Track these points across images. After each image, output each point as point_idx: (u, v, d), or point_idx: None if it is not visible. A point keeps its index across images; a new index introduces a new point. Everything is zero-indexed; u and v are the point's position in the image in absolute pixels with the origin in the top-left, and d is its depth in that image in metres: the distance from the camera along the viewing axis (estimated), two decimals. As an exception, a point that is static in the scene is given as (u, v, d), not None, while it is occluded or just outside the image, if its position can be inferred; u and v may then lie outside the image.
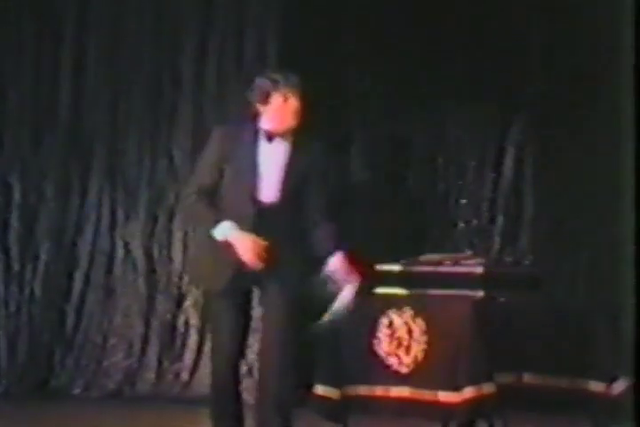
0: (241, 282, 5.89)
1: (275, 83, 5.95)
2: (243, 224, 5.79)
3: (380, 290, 6.77)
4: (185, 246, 8.58)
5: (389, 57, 8.45)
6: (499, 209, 8.10)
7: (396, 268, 6.80)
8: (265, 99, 5.90)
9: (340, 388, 6.62)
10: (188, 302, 8.51)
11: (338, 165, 6.72)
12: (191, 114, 8.74)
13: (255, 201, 5.82)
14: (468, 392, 6.26)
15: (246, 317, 6.10)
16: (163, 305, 8.56)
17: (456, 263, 6.71)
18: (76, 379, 8.58)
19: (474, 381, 6.28)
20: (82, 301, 8.69)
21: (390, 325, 6.56)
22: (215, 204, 5.81)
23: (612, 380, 6.53)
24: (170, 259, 8.61)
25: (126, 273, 8.73)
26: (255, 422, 5.91)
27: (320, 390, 6.64)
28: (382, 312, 6.59)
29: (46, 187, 8.79)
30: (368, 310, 6.64)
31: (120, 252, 8.75)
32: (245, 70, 8.58)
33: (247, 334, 6.16)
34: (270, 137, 5.90)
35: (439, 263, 6.74)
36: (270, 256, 5.84)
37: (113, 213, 8.81)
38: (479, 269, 6.59)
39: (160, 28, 8.78)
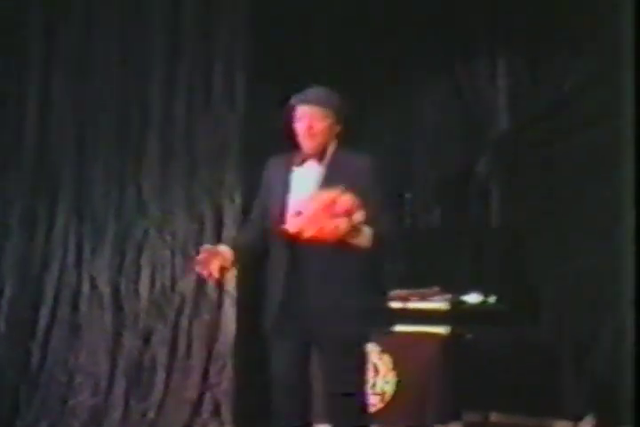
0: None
1: (295, 98, 5.68)
2: (279, 265, 5.56)
3: None
4: (153, 283, 8.51)
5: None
6: (467, 239, 8.07)
7: None
8: (287, 117, 5.63)
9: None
10: (155, 339, 8.43)
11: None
12: (159, 146, 8.64)
13: (284, 234, 5.44)
14: (438, 431, 6.43)
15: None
16: (129, 342, 8.48)
17: (423, 299, 6.85)
18: (41, 419, 8.48)
19: (441, 420, 6.44)
20: (47, 337, 8.60)
21: None
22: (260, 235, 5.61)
23: (577, 419, 6.62)
24: (137, 295, 8.53)
25: (92, 309, 8.63)
26: None
27: None
28: None
29: (11, 220, 8.75)
30: None
31: (86, 287, 8.66)
32: (214, 102, 8.52)
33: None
34: (303, 160, 5.62)
35: (406, 299, 6.83)
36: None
37: (79, 248, 8.73)
38: (446, 305, 6.72)
39: (128, 60, 8.71)
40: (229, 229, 8.36)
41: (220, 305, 8.33)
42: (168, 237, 8.51)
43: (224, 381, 8.23)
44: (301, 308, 5.51)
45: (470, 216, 7.83)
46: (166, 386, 8.32)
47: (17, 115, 8.92)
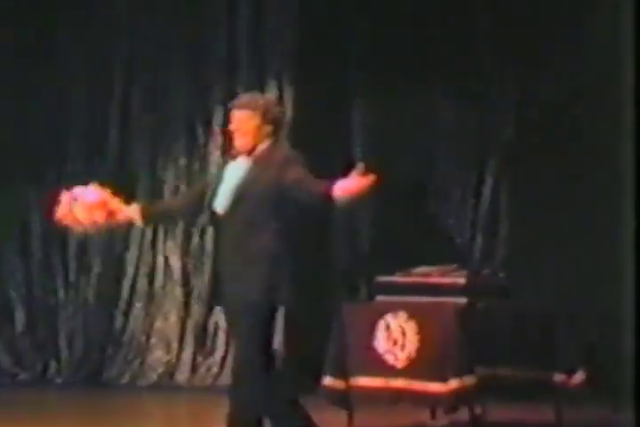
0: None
1: (230, 103, 5.49)
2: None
3: (379, 297, 6.80)
4: (214, 261, 8.24)
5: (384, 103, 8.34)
6: (478, 229, 8.04)
7: (392, 279, 6.84)
8: (227, 120, 5.45)
9: (345, 379, 6.65)
10: (217, 308, 8.19)
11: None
12: (220, 149, 8.51)
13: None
14: (453, 383, 6.32)
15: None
16: (196, 310, 8.52)
17: (443, 275, 6.74)
18: (124, 371, 8.54)
19: (458, 374, 6.32)
20: (128, 306, 8.63)
21: (387, 327, 6.58)
22: None
23: (571, 372, 6.54)
24: (202, 271, 8.54)
25: (165, 283, 8.66)
26: None
27: (328, 381, 6.68)
28: (381, 316, 6.62)
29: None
30: (369, 314, 6.70)
31: (160, 264, 8.69)
32: None
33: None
34: (236, 156, 5.40)
35: (429, 275, 6.76)
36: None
37: (154, 232, 8.72)
38: (462, 280, 6.65)
39: (194, 76, 8.67)
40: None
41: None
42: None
43: (276, 343, 8.21)
44: (224, 277, 5.31)
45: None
46: (226, 346, 8.30)
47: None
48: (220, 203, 5.32)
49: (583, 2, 7.67)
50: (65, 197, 5.37)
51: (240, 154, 5.36)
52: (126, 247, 8.74)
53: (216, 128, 8.58)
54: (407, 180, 8.39)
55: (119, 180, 8.60)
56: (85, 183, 5.44)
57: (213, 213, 5.33)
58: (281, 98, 8.40)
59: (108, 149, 8.86)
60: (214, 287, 5.42)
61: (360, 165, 5.04)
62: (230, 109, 5.39)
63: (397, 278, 6.82)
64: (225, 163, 5.44)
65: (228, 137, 5.47)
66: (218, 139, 8.55)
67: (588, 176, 7.68)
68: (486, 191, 8.01)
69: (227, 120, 5.42)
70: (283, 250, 5.29)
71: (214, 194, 5.35)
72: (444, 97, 8.18)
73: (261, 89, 8.41)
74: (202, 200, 5.38)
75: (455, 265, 6.90)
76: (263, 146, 5.34)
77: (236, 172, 5.35)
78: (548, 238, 7.81)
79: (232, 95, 8.30)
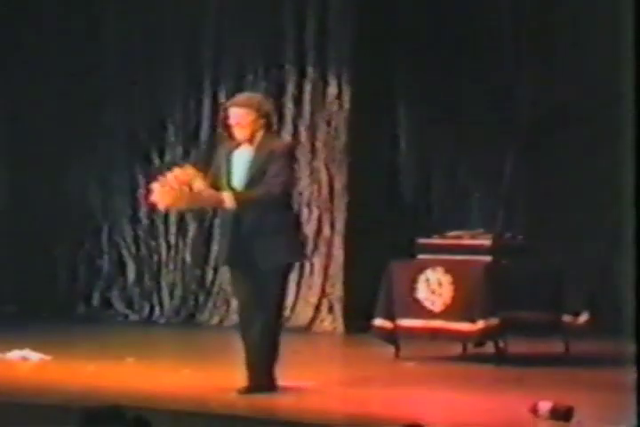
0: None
1: (228, 102, 5.71)
2: (226, 217, 5.58)
3: (420, 256, 6.88)
4: None
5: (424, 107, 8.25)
6: (502, 201, 7.81)
7: (431, 240, 6.92)
8: (224, 116, 5.60)
9: (392, 320, 6.74)
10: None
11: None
12: (290, 137, 8.35)
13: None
14: (481, 324, 6.45)
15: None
16: None
17: (472, 237, 6.82)
18: (213, 315, 8.54)
19: (484, 316, 6.43)
20: (216, 263, 8.38)
21: (427, 279, 6.68)
22: None
23: (577, 314, 6.63)
24: None
25: None
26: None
27: (378, 322, 6.78)
28: (421, 271, 6.72)
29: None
30: (411, 269, 6.80)
31: None
32: (327, 104, 8.34)
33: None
34: (238, 145, 5.59)
35: (460, 237, 6.85)
36: None
37: None
38: (488, 242, 6.73)
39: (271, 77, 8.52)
40: (339, 193, 8.33)
41: (331, 241, 8.28)
42: (295, 196, 8.19)
43: (336, 291, 8.22)
44: (244, 247, 5.47)
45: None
46: (297, 294, 8.27)
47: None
48: (238, 182, 5.55)
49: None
50: (152, 184, 5.48)
51: (242, 142, 5.56)
52: (214, 215, 8.57)
53: (288, 120, 8.50)
54: (442, 162, 8.34)
55: (208, 163, 8.72)
56: (180, 166, 5.55)
57: (233, 191, 5.51)
58: (340, 95, 8.38)
59: (200, 137, 8.73)
60: (229, 252, 5.54)
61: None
62: (228, 107, 5.58)
63: (435, 240, 6.92)
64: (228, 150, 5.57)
65: (228, 130, 5.61)
66: (289, 129, 8.50)
67: (598, 158, 7.52)
68: (508, 172, 7.90)
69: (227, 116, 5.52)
70: (294, 220, 5.63)
71: (230, 174, 5.57)
72: (472, 92, 8.08)
73: (324, 86, 8.39)
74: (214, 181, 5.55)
75: (482, 230, 6.98)
76: (260, 135, 5.56)
77: (243, 157, 5.56)
78: (559, 209, 7.77)
79: (301, 91, 8.40)
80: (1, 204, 8.95)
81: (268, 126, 5.61)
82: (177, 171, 5.47)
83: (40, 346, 6.87)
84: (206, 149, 8.17)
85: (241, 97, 5.70)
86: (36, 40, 8.86)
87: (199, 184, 5.47)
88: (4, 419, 4.68)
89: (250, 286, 5.53)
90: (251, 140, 5.57)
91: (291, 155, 5.80)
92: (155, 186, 5.46)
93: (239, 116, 5.55)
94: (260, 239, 5.47)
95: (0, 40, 8.73)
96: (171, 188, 5.40)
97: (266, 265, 5.48)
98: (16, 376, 6.34)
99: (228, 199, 5.50)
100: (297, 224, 5.79)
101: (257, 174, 5.53)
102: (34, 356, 6.77)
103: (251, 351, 5.56)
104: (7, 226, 8.94)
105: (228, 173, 5.58)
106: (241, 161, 5.59)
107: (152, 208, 5.83)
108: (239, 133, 5.56)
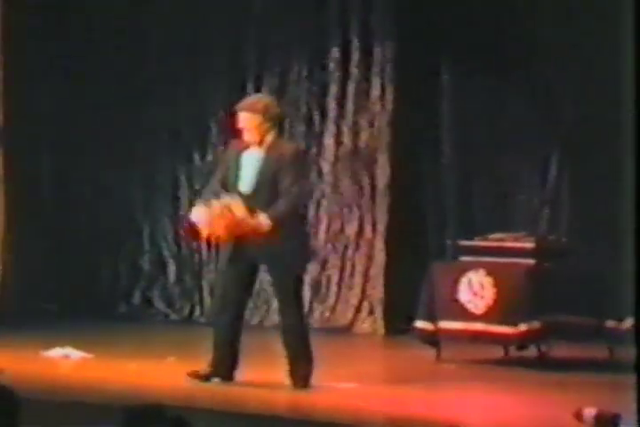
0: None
1: (237, 106, 5.74)
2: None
3: (463, 258, 6.87)
4: (328, 227, 8.39)
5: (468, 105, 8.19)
6: (545, 204, 7.93)
7: (474, 242, 6.90)
8: (234, 118, 5.71)
9: (433, 322, 6.73)
10: (329, 264, 8.35)
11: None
12: (333, 138, 8.43)
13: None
14: (523, 327, 6.42)
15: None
16: (312, 266, 8.21)
17: (515, 240, 6.78)
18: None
19: (527, 319, 6.40)
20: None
21: (469, 281, 6.65)
22: None
23: (621, 319, 6.57)
24: (317, 235, 8.38)
25: None
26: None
27: (419, 323, 6.78)
28: (463, 273, 6.69)
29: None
30: (453, 271, 6.78)
31: None
32: (371, 104, 8.32)
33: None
34: (247, 146, 5.68)
35: (503, 240, 6.81)
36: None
37: None
38: (531, 245, 6.69)
39: (312, 78, 8.51)
40: (381, 194, 8.31)
41: (373, 242, 8.26)
42: (338, 196, 8.41)
43: (376, 293, 8.20)
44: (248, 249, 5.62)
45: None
46: (337, 296, 8.29)
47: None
48: (245, 185, 5.64)
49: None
50: (191, 220, 5.64)
51: (252, 145, 5.65)
52: None
53: (331, 120, 8.53)
54: (485, 163, 8.30)
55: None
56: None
57: (239, 194, 5.61)
58: (383, 96, 8.37)
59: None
60: (233, 250, 5.69)
61: None
62: (236, 111, 5.67)
63: (477, 242, 6.88)
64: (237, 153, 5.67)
65: (236, 131, 5.72)
66: (332, 129, 8.52)
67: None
68: (551, 174, 7.94)
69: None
70: (299, 223, 5.73)
71: (238, 177, 5.66)
72: (515, 92, 8.07)
73: (368, 86, 8.38)
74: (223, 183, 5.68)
75: (525, 232, 6.93)
76: (269, 138, 5.65)
77: (253, 159, 5.65)
78: (599, 211, 7.69)
79: (344, 90, 8.39)
80: (44, 203, 9.01)
81: (275, 130, 5.69)
82: (224, 201, 5.57)
83: (82, 344, 6.91)
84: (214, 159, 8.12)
85: (248, 100, 5.77)
86: (79, 40, 8.89)
87: (242, 212, 5.57)
88: (45, 417, 4.71)
89: (241, 283, 5.75)
90: (260, 143, 5.65)
91: (303, 160, 5.90)
92: (203, 217, 5.58)
93: (245, 120, 5.65)
94: (270, 244, 5.56)
95: (43, 40, 8.76)
96: (221, 217, 5.53)
97: (278, 271, 5.65)
98: (58, 374, 6.39)
99: (264, 221, 5.58)
100: (305, 227, 5.96)
101: (266, 177, 5.63)
102: (75, 354, 6.81)
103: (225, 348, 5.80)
104: (50, 225, 8.99)
105: (237, 176, 5.67)
106: (250, 163, 5.67)
107: (196, 238, 5.92)
108: (248, 136, 5.66)
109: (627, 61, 7.25)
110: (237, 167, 5.68)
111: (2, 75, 8.18)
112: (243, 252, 5.66)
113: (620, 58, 7.28)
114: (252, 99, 5.84)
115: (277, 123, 5.72)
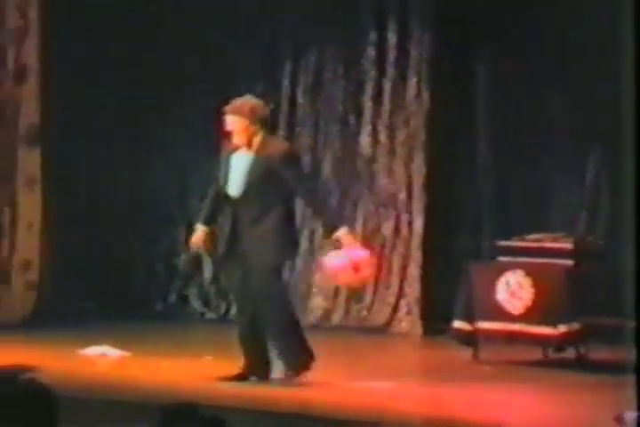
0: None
1: (224, 108, 5.78)
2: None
3: (501, 258, 6.84)
4: (365, 226, 8.34)
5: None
6: (583, 206, 7.90)
7: (512, 243, 6.86)
8: (222, 120, 5.82)
9: (471, 323, 6.72)
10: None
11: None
12: (369, 136, 8.39)
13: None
14: (562, 328, 6.40)
15: None
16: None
17: (553, 240, 6.75)
18: None
19: (566, 321, 6.38)
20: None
21: (507, 282, 6.63)
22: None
23: None
24: (352, 233, 7.94)
25: (327, 245, 7.97)
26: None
27: (457, 324, 6.76)
28: (502, 273, 6.67)
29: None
30: (491, 271, 6.76)
31: (319, 230, 8.31)
32: (408, 103, 8.33)
33: None
34: (236, 148, 5.73)
35: (541, 240, 6.78)
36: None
37: None
38: (570, 246, 6.67)
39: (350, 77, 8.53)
40: (417, 194, 8.31)
41: (409, 242, 8.26)
42: (374, 197, 8.43)
43: (413, 292, 8.19)
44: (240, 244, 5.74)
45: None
46: (374, 295, 8.26)
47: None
48: (233, 188, 5.70)
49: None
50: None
51: (240, 148, 5.70)
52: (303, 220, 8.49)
53: (366, 119, 8.53)
54: (522, 162, 8.24)
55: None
56: None
57: (227, 197, 5.71)
58: (419, 95, 8.37)
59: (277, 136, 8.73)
60: (227, 249, 5.82)
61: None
62: (224, 113, 5.72)
63: (515, 243, 6.84)
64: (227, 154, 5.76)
65: (227, 135, 5.76)
66: (368, 128, 8.53)
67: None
68: (590, 174, 7.91)
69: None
70: (288, 227, 5.75)
71: (226, 180, 5.72)
72: (553, 91, 8.03)
73: (404, 85, 8.38)
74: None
75: (562, 233, 6.90)
76: (257, 139, 5.69)
77: (241, 161, 5.69)
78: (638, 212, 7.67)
79: (380, 89, 8.40)
80: (80, 203, 9.05)
81: (264, 132, 5.73)
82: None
83: (119, 343, 6.94)
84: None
85: (234, 103, 5.77)
86: (113, 39, 8.88)
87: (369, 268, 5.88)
88: (82, 415, 4.73)
89: (243, 279, 5.78)
90: (248, 145, 5.70)
91: (295, 157, 5.88)
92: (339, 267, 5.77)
93: (232, 123, 5.70)
94: (255, 238, 5.69)
95: (75, 40, 8.77)
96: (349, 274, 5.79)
97: (258, 264, 5.69)
98: (95, 372, 6.43)
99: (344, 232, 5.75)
100: (291, 223, 5.90)
101: (254, 179, 5.68)
102: (113, 352, 6.83)
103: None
104: (87, 225, 9.03)
105: (226, 179, 5.73)
106: (238, 166, 5.72)
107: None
108: (236, 139, 5.71)
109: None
110: (227, 170, 5.74)
111: (40, 75, 8.22)
112: (235, 250, 5.77)
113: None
114: (239, 101, 5.80)
115: (265, 124, 5.76)
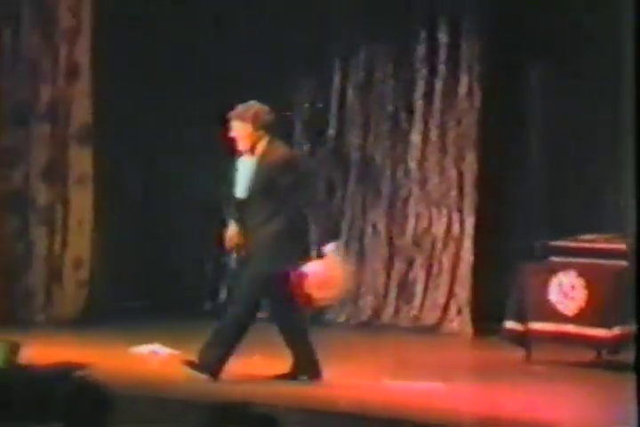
0: None
1: (229, 114, 5.89)
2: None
3: (554, 258, 6.79)
4: (415, 226, 8.34)
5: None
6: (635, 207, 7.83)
7: (564, 243, 6.82)
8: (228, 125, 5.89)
9: (523, 324, 6.67)
10: (416, 263, 8.31)
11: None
12: (420, 135, 8.37)
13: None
14: (617, 330, 6.34)
15: None
16: (399, 265, 8.39)
17: (607, 241, 6.71)
18: (340, 312, 8.41)
19: (620, 322, 6.31)
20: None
21: (560, 282, 6.58)
22: None
23: None
24: (404, 234, 8.38)
25: (374, 243, 8.49)
26: None
27: (509, 324, 6.73)
28: (554, 273, 6.63)
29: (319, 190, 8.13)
30: (544, 271, 6.71)
31: (369, 229, 8.52)
32: (459, 101, 8.28)
33: None
34: (241, 153, 5.81)
35: (594, 241, 6.75)
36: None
37: (364, 203, 8.52)
38: (624, 246, 6.55)
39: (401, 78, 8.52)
40: (468, 193, 8.27)
41: (460, 241, 8.20)
42: (424, 195, 8.37)
43: (464, 292, 8.13)
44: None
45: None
46: (424, 295, 8.23)
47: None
48: (240, 191, 5.81)
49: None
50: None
51: (245, 153, 5.75)
52: (342, 213, 8.63)
53: (418, 118, 8.50)
54: (573, 162, 8.17)
55: (334, 160, 8.65)
56: None
57: (235, 199, 5.85)
58: (470, 93, 8.32)
59: (326, 134, 8.74)
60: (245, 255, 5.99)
61: None
62: (228, 118, 5.77)
63: (568, 243, 6.80)
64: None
65: (232, 140, 5.80)
66: (419, 127, 8.49)
67: None
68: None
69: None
70: (289, 236, 5.71)
71: (233, 183, 5.83)
72: (605, 92, 7.91)
73: (455, 84, 8.33)
74: None
75: (613, 234, 6.81)
76: (261, 145, 5.71)
77: (246, 166, 5.77)
78: None
79: (432, 89, 8.35)
80: (132, 202, 9.09)
81: (268, 138, 5.73)
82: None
83: (169, 341, 6.96)
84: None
85: (238, 109, 5.78)
86: (163, 40, 8.89)
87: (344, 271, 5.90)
88: (132, 413, 4.75)
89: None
90: (252, 151, 5.74)
91: (294, 165, 5.85)
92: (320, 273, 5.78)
93: (236, 129, 5.74)
94: (255, 244, 5.78)
95: (126, 39, 8.80)
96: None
97: (249, 270, 5.82)
98: (146, 370, 6.45)
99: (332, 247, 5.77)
100: (294, 233, 5.83)
101: (258, 185, 5.71)
102: (163, 351, 6.86)
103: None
104: (137, 224, 9.04)
105: (233, 182, 5.82)
106: (244, 171, 5.78)
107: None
108: (239, 144, 5.75)
109: None
110: (234, 173, 5.82)
111: (92, 73, 8.27)
112: (248, 254, 5.91)
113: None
114: (243, 107, 5.79)
115: (270, 130, 5.76)
